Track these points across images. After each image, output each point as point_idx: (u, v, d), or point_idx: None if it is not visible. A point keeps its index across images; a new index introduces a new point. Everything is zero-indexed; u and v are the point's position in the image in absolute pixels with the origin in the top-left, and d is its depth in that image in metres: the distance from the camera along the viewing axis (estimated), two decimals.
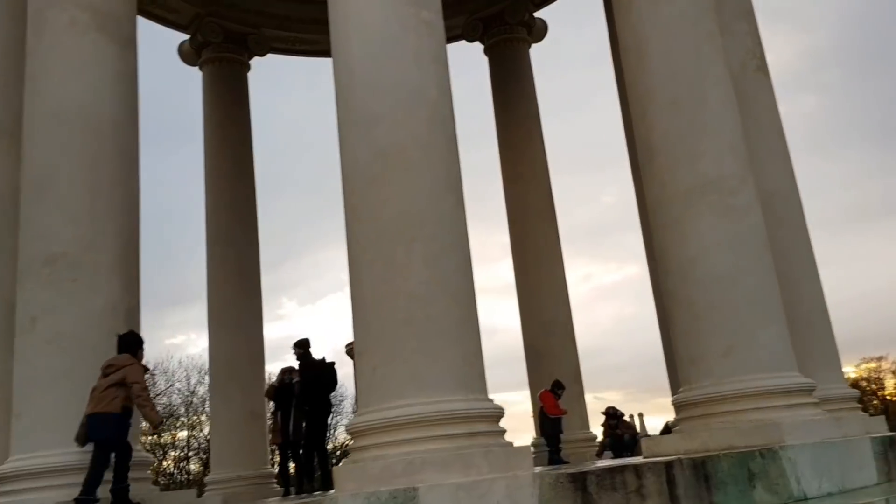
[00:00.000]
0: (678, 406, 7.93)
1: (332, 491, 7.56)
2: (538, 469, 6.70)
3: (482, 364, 6.70)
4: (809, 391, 7.60)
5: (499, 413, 6.52)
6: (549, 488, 5.75)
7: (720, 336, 7.55)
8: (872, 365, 79.51)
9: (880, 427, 9.37)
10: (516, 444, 6.52)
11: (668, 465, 6.10)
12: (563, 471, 6.17)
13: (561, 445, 12.79)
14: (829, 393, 9.71)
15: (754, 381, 7.29)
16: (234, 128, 15.81)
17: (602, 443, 12.76)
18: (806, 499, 6.49)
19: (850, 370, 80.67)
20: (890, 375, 78.86)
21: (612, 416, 12.57)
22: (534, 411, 13.54)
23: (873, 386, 79.99)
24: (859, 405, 9.95)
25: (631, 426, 12.46)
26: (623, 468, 6.04)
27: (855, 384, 78.92)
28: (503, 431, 6.52)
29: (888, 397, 77.34)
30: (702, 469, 6.19)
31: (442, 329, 6.35)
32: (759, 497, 6.30)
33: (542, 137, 17.27)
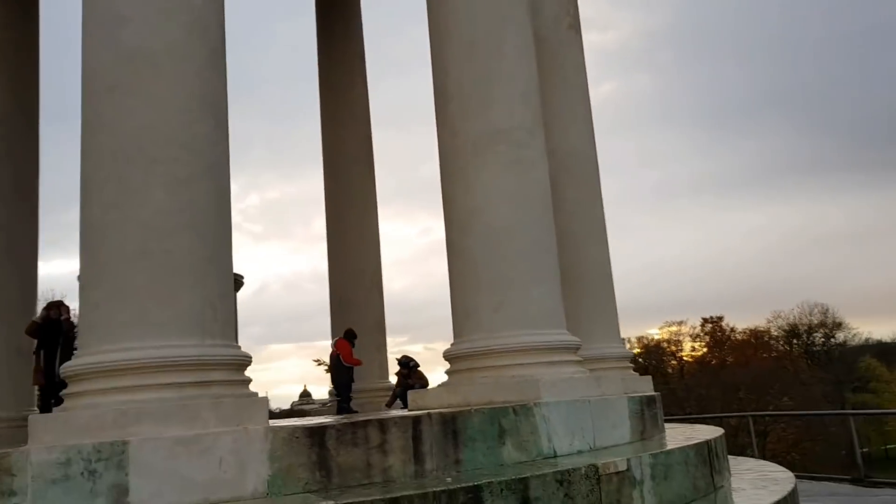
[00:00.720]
0: (449, 359, 7.71)
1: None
2: (279, 423, 6.19)
3: (230, 308, 6.05)
4: (574, 349, 7.62)
5: (243, 361, 5.91)
6: (282, 443, 5.25)
7: (494, 290, 7.36)
8: (674, 328, 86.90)
9: (646, 387, 9.75)
10: (261, 394, 5.96)
11: (416, 421, 5.80)
12: (300, 424, 5.70)
13: (352, 395, 12.46)
14: (606, 352, 9.99)
15: (521, 337, 7.17)
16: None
17: (394, 392, 12.57)
18: (556, 456, 6.46)
19: (654, 332, 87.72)
20: (688, 338, 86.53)
21: (405, 365, 12.39)
22: (330, 361, 13.12)
23: (673, 347, 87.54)
24: (631, 365, 10.31)
25: (423, 376, 12.31)
26: (367, 423, 5.65)
27: (657, 345, 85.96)
28: (247, 381, 5.93)
29: (685, 358, 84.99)
30: (451, 425, 5.94)
31: (181, 266, 5.61)
32: (507, 454, 6.18)
33: (366, 80, 16.55)
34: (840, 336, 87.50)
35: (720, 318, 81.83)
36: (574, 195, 10.48)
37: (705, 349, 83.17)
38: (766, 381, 47.06)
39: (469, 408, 6.42)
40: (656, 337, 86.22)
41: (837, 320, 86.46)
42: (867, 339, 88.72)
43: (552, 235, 7.84)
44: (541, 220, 7.68)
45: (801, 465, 36.13)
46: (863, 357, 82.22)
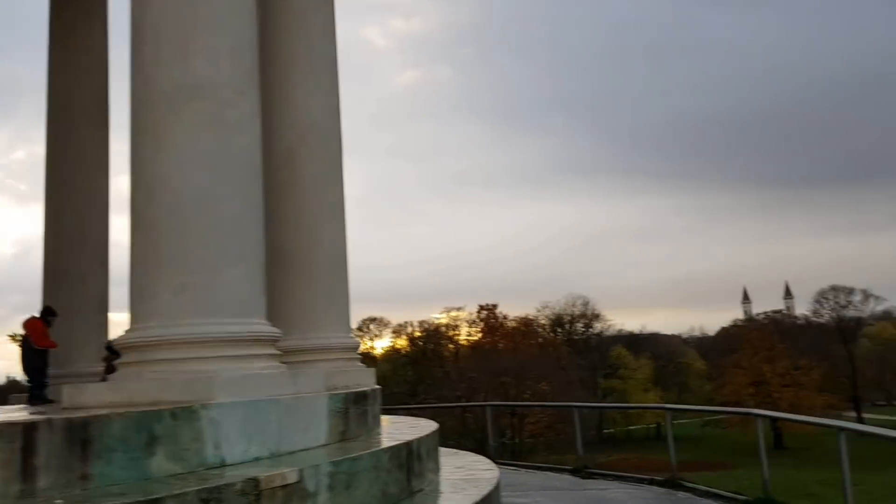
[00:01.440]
0: (121, 349, 6.55)
1: None
2: None
3: None
4: (271, 341, 6.80)
5: None
6: None
7: (178, 269, 6.32)
8: (454, 313, 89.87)
9: (368, 380, 9.19)
10: None
11: (30, 427, 4.65)
12: None
13: (48, 381, 10.77)
14: (332, 342, 9.31)
15: (204, 326, 6.21)
16: None
17: (101, 378, 11.08)
18: (223, 465, 5.60)
19: (438, 316, 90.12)
20: (465, 324, 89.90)
21: (110, 349, 10.95)
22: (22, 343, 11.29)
23: (452, 332, 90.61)
24: (358, 356, 9.74)
25: None
26: None
27: (436, 329, 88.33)
28: None
29: (462, 343, 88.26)
30: (81, 432, 4.85)
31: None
32: (157, 466, 5.21)
33: (106, 23, 14.54)
34: (597, 326, 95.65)
35: (495, 306, 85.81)
36: (312, 170, 9.68)
37: (480, 335, 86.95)
38: (529, 367, 49.77)
39: (123, 409, 5.36)
40: (440, 321, 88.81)
41: (596, 312, 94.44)
42: (619, 331, 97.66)
43: (258, 210, 6.94)
44: (244, 193, 6.74)
45: (557, 446, 38.57)
46: (615, 346, 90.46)
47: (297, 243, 9.32)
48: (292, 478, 5.25)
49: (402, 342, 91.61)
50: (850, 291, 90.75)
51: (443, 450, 10.10)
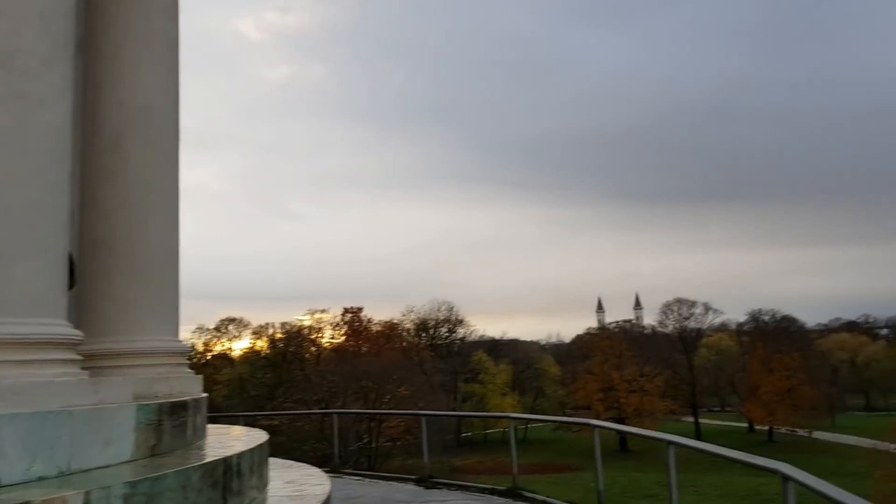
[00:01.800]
0: None
1: None
2: None
3: None
4: (71, 344, 6.04)
5: None
6: None
7: None
8: (318, 316, 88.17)
9: (194, 388, 8.51)
10: None
11: None
12: None
13: None
14: (153, 346, 8.53)
15: None
16: None
17: None
18: None
19: (301, 318, 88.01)
20: (329, 326, 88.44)
21: None
22: None
23: (315, 334, 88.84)
24: (186, 361, 9.01)
25: None
26: None
27: (299, 331, 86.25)
28: None
29: (325, 346, 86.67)
30: None
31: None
32: None
33: None
34: (461, 332, 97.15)
35: (360, 309, 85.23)
36: (142, 157, 8.84)
37: (344, 338, 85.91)
38: (391, 371, 49.51)
39: None
40: (301, 323, 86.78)
41: (459, 317, 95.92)
42: (481, 336, 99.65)
43: (63, 197, 6.15)
44: (46, 176, 5.95)
45: (414, 450, 38.49)
46: (476, 352, 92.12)
47: (120, 236, 8.48)
48: (75, 501, 4.59)
49: (262, 344, 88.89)
50: (693, 304, 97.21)
51: (277, 462, 9.55)
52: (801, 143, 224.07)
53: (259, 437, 7.92)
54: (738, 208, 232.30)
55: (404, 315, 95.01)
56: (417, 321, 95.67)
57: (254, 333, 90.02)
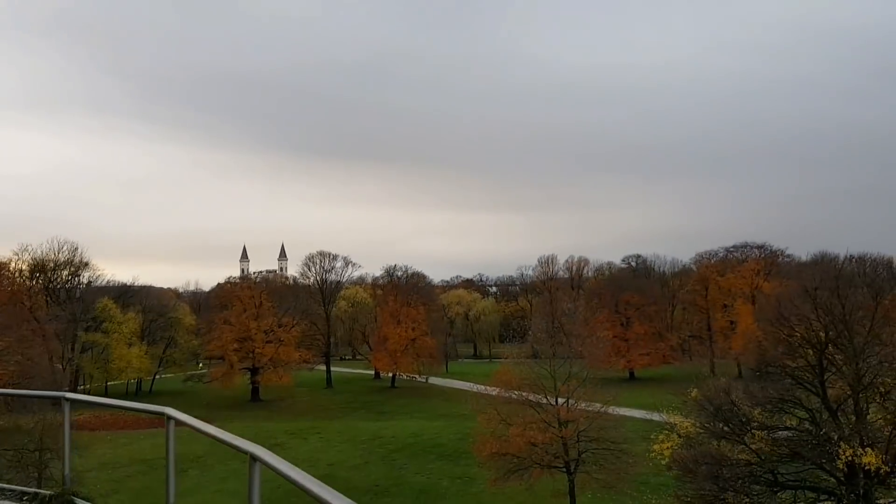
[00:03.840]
0: None
1: None
2: None
3: None
4: None
5: None
6: None
7: None
8: None
9: None
10: None
11: None
12: None
13: None
14: None
15: None
16: None
17: None
18: None
19: None
20: None
21: None
22: None
23: None
24: None
25: None
26: None
27: None
28: None
29: None
30: None
31: None
32: None
33: None
34: (86, 276, 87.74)
35: None
36: None
37: None
38: None
39: None
40: None
41: (85, 260, 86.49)
42: (109, 281, 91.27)
43: None
44: None
45: None
46: (101, 298, 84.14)
47: None
48: None
49: None
50: (335, 258, 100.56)
51: None
52: (446, 116, 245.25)
53: None
54: (380, 170, 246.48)
55: (16, 254, 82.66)
56: (32, 262, 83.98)
57: None
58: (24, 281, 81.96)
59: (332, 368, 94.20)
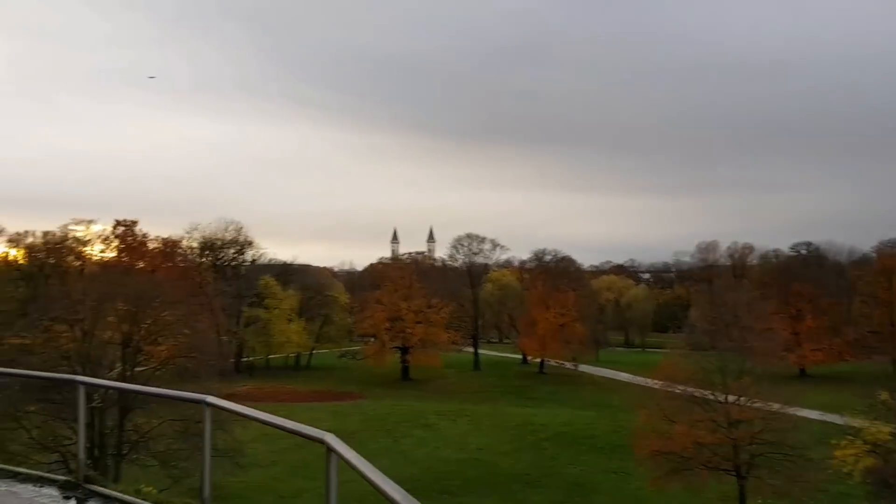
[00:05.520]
0: None
1: None
2: None
3: None
4: None
5: None
6: None
7: None
8: (83, 227, 79.16)
9: None
10: None
11: None
12: None
13: None
14: None
15: None
16: None
17: None
18: None
19: (74, 228, 78.45)
20: (98, 239, 79.98)
21: None
22: None
23: (82, 247, 79.94)
24: None
25: None
26: None
27: (62, 242, 77.11)
28: None
29: (91, 260, 78.35)
30: None
31: None
32: None
33: None
34: (250, 254, 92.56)
35: (134, 223, 77.79)
36: None
37: (116, 252, 78.18)
38: (151, 292, 44.63)
39: None
40: (71, 233, 77.39)
41: (249, 239, 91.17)
42: (271, 260, 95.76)
43: None
44: None
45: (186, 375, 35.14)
46: (264, 275, 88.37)
47: None
48: None
49: (19, 253, 78.47)
50: (482, 240, 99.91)
51: None
52: (597, 95, 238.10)
53: None
54: (531, 151, 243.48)
55: (188, 233, 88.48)
56: (202, 240, 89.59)
57: (9, 241, 79.09)
58: (194, 258, 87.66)
59: (480, 351, 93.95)
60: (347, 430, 44.92)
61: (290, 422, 5.01)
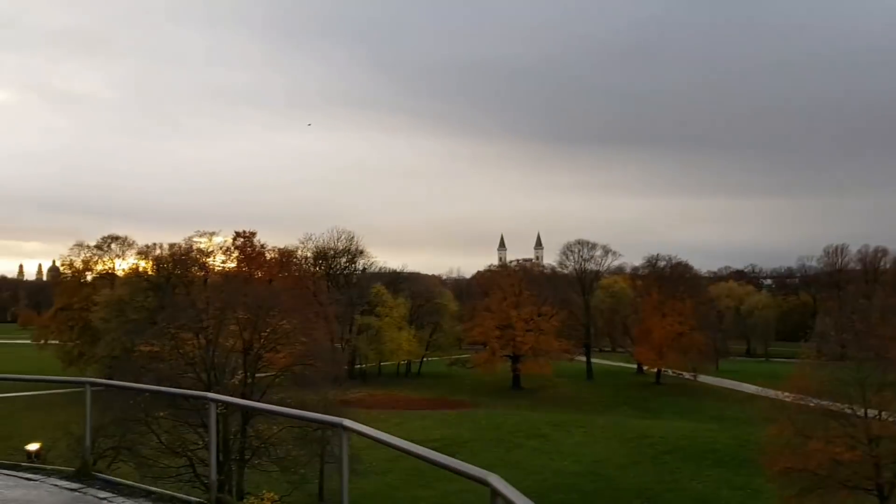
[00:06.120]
0: None
1: None
2: None
3: None
4: None
5: None
6: None
7: None
8: (206, 239, 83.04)
9: None
10: None
11: None
12: None
13: None
14: None
15: None
16: None
17: None
18: None
19: (199, 240, 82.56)
20: (220, 250, 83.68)
21: None
22: None
23: (205, 258, 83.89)
24: None
25: None
26: None
27: (186, 253, 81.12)
28: None
29: (213, 270, 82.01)
30: None
31: None
32: None
33: None
34: (361, 263, 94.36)
35: (253, 234, 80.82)
36: None
37: (236, 262, 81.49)
38: (281, 301, 46.09)
39: None
40: (195, 244, 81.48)
41: (360, 248, 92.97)
42: (381, 268, 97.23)
43: None
44: None
45: (304, 382, 35.90)
46: (375, 284, 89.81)
47: None
48: None
49: (147, 265, 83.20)
50: (593, 246, 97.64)
51: None
52: (711, 92, 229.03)
53: None
54: (642, 154, 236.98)
55: (302, 243, 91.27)
56: (315, 250, 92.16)
57: (139, 254, 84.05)
58: (308, 267, 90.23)
59: (592, 360, 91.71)
60: (460, 440, 44.66)
61: (444, 456, 4.51)
